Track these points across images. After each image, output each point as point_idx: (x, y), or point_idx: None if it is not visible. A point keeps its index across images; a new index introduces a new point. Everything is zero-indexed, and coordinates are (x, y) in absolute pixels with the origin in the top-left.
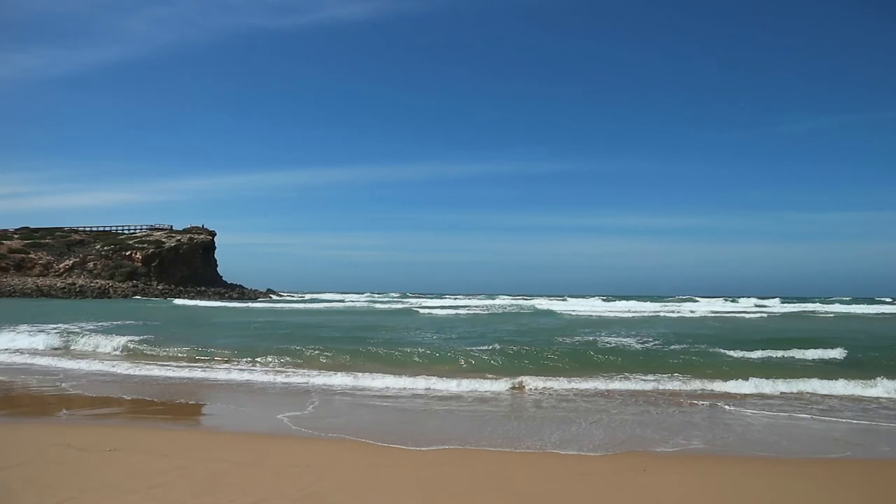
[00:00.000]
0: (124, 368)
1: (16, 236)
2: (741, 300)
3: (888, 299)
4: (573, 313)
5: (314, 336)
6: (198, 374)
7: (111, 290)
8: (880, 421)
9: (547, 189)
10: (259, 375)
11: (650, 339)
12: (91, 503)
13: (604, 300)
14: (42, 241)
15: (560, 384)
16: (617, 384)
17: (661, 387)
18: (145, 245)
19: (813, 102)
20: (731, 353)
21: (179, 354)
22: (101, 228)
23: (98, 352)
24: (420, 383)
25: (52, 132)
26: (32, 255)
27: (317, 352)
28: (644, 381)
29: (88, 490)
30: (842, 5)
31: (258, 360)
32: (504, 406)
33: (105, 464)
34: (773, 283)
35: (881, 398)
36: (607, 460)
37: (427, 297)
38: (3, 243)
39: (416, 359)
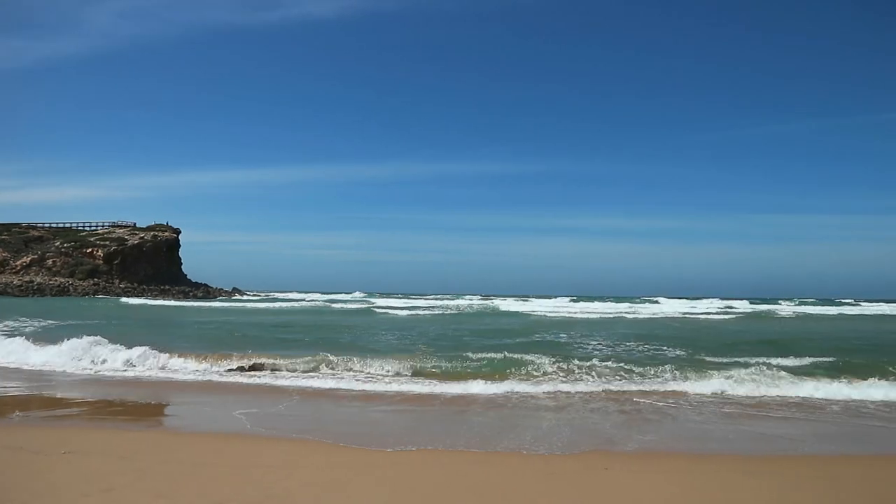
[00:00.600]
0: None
1: None
2: (706, 301)
3: (849, 300)
4: (536, 314)
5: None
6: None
7: (71, 288)
8: (828, 423)
9: (512, 190)
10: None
11: (609, 340)
12: None
13: (573, 301)
14: None
15: (511, 386)
16: (569, 386)
17: (613, 388)
18: (107, 242)
19: (785, 105)
20: (683, 353)
21: None
22: (60, 225)
23: None
24: (364, 385)
25: (9, 126)
26: None
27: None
28: (599, 382)
29: (40, 495)
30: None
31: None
32: (465, 408)
33: (59, 467)
34: (741, 284)
35: (836, 399)
36: (572, 459)
37: (393, 297)
38: None
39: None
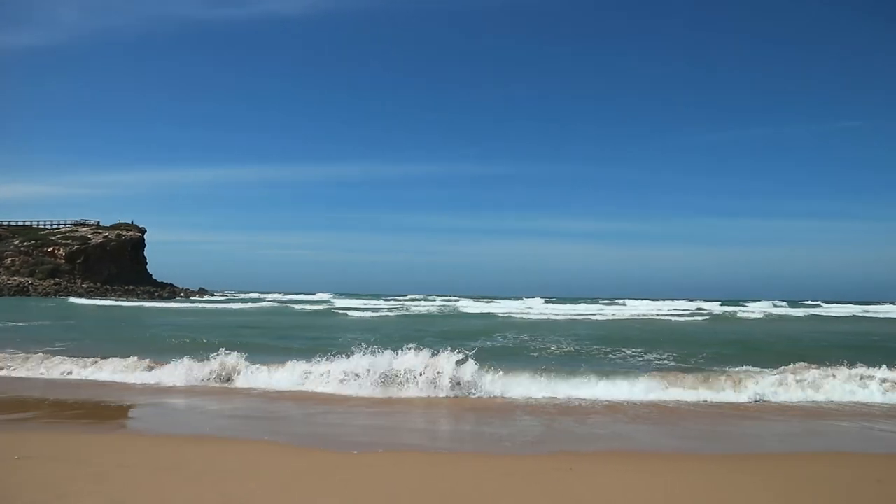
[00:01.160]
0: None
1: None
2: (674, 302)
3: (812, 302)
4: (502, 315)
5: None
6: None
7: (31, 288)
8: (776, 422)
9: (485, 191)
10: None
11: (569, 341)
12: None
13: (546, 302)
14: None
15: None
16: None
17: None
18: (70, 241)
19: (782, 108)
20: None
21: None
22: (20, 223)
23: None
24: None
25: None
26: None
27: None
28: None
29: None
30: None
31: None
32: (427, 410)
33: (11, 473)
34: (714, 286)
35: (791, 403)
36: (535, 460)
37: (359, 298)
38: None
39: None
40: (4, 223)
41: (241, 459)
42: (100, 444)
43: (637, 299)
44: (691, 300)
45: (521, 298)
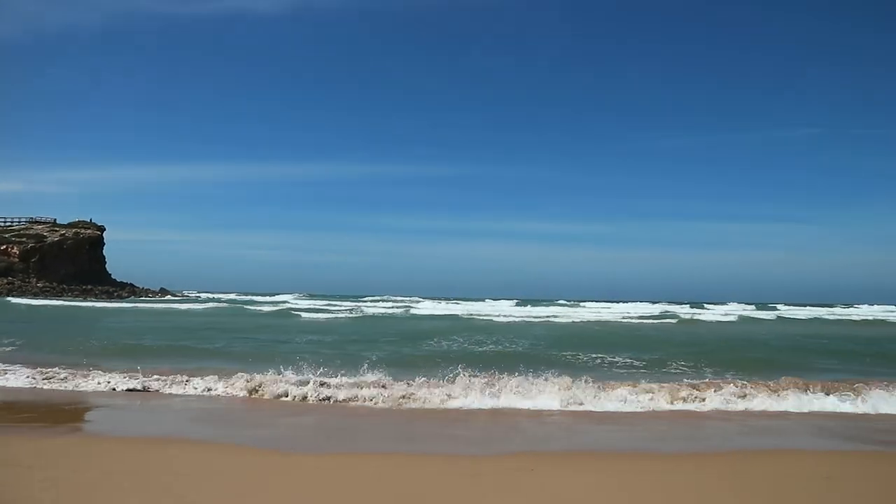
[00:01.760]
0: None
1: None
2: (639, 304)
3: (779, 305)
4: (464, 317)
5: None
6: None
7: None
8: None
9: (456, 192)
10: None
11: (524, 343)
12: None
13: (519, 304)
14: None
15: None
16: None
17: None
18: (24, 239)
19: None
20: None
21: None
22: None
23: None
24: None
25: None
26: None
27: None
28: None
29: None
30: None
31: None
32: (383, 412)
33: None
34: (683, 289)
35: (753, 410)
36: (497, 461)
37: (320, 299)
38: None
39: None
40: None
41: (197, 462)
42: (53, 449)
43: (607, 301)
44: (654, 303)
45: (496, 299)
